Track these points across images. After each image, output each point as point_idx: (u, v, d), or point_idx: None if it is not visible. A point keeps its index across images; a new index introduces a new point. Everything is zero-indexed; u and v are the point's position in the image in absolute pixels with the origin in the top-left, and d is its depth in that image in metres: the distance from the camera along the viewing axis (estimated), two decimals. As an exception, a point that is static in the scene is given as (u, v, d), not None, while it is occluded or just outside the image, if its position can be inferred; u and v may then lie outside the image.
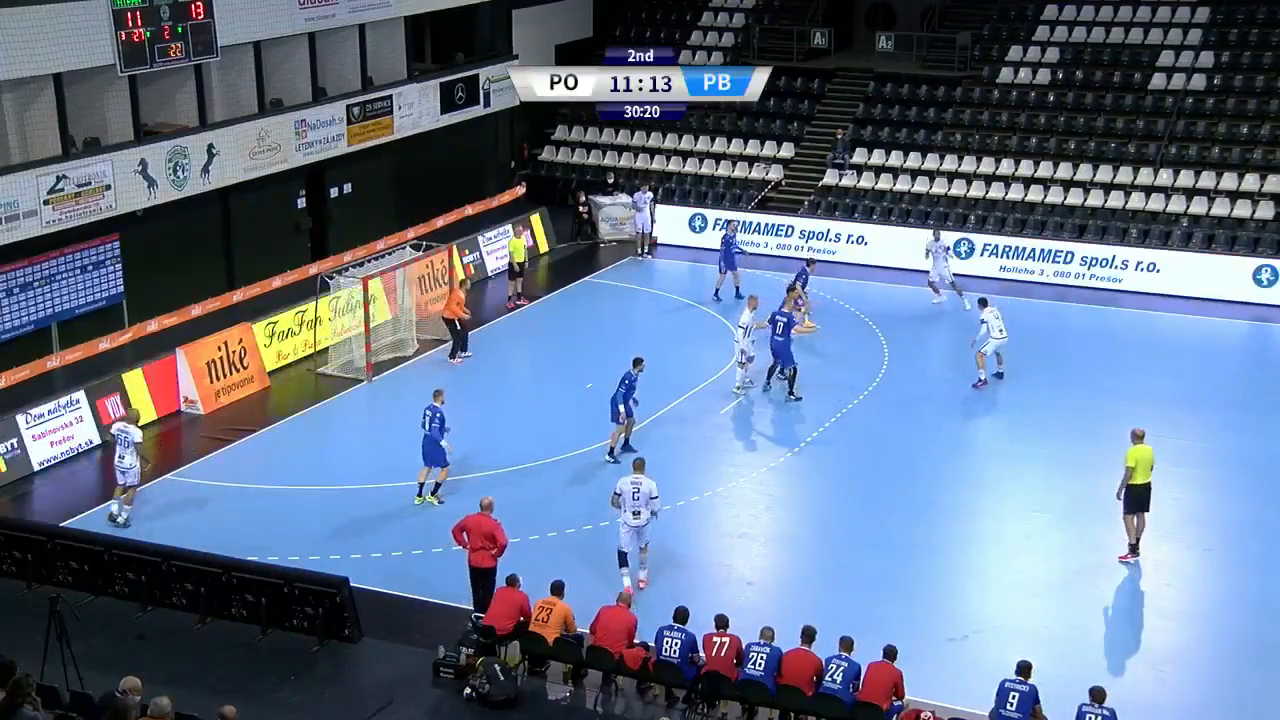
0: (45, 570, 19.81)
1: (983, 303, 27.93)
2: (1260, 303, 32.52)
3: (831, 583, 20.59)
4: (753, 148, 40.42)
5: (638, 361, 24.23)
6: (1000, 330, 27.28)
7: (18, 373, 26.21)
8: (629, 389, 23.89)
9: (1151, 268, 33.55)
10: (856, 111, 40.35)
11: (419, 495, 22.62)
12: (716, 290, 32.95)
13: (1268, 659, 18.53)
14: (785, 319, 27.04)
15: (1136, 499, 20.75)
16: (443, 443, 22.29)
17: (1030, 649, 17.06)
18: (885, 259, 35.24)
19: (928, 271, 32.55)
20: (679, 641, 16.76)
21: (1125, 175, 36.24)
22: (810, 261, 31.86)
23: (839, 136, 39.26)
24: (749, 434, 26.04)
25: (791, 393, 26.86)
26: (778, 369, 27.15)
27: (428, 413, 22.38)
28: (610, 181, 39.78)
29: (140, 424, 22.55)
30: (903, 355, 29.46)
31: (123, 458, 21.93)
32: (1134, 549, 20.83)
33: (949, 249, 32.96)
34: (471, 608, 18.77)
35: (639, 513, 19.74)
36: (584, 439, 24.56)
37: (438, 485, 22.53)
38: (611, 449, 23.99)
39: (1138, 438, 20.92)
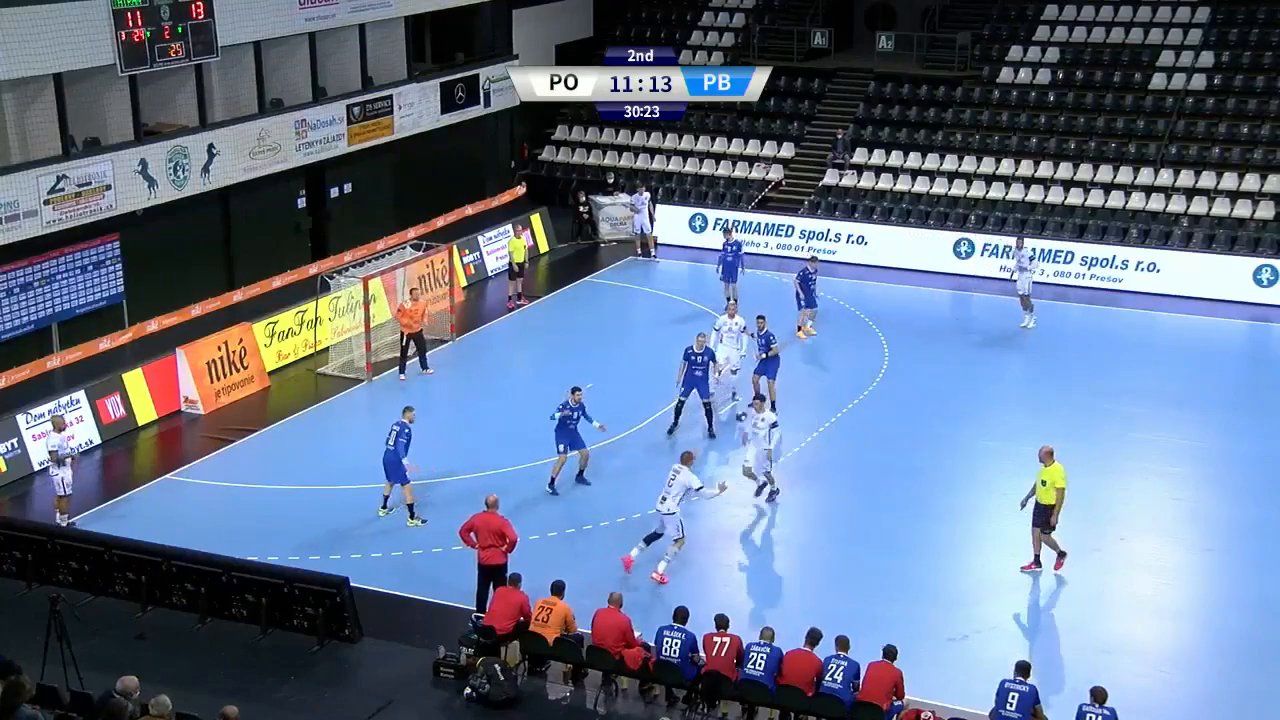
0: (45, 570, 19.82)
1: (760, 400, 23.77)
2: (1260, 303, 32.51)
3: (831, 583, 20.60)
4: (753, 148, 40.42)
5: (575, 390, 23.12)
6: (767, 437, 22.70)
7: (18, 373, 26.22)
8: (566, 416, 22.78)
9: (1152, 268, 33.55)
10: (856, 111, 40.34)
11: (383, 508, 22.14)
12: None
13: (1268, 659, 18.53)
14: (705, 355, 25.23)
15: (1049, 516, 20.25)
16: (405, 460, 21.73)
17: (1030, 649, 17.06)
18: (885, 259, 35.27)
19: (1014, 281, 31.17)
20: (679, 641, 16.77)
21: (1125, 175, 36.23)
22: (813, 259, 31.39)
23: (839, 136, 39.25)
24: (749, 434, 25.98)
25: (710, 429, 25.46)
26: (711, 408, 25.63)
27: (395, 429, 21.88)
28: (610, 181, 39.79)
29: (141, 423, 22.47)
30: (903, 355, 29.43)
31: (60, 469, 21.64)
32: (1038, 560, 20.54)
33: (1031, 258, 31.48)
34: (473, 607, 18.78)
35: (665, 498, 20.00)
36: (584, 439, 24.49)
37: (411, 507, 21.86)
38: (552, 480, 23.01)
39: (1051, 455, 20.27)
